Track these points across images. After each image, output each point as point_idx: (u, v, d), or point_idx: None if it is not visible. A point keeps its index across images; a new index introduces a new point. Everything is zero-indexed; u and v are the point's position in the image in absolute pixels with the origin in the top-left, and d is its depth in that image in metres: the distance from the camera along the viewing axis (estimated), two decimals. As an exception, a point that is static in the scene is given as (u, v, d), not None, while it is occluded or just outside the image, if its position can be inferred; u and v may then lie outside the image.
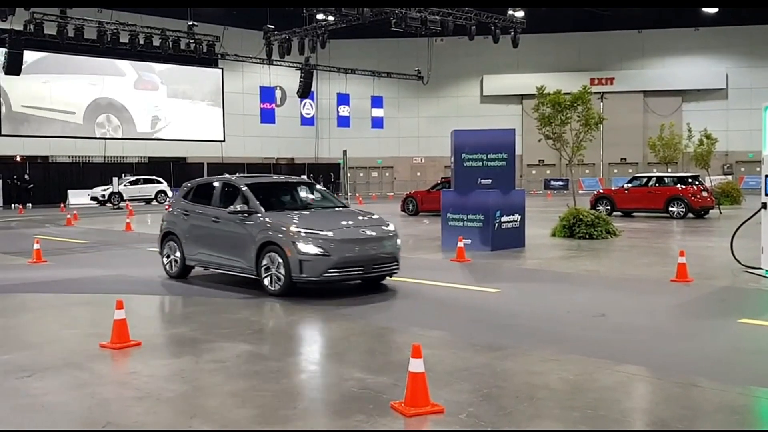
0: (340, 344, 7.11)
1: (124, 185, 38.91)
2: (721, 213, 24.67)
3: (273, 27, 40.73)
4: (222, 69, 49.60)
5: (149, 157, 47.44)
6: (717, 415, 5.00)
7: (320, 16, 38.69)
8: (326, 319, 8.25)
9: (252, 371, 6.08)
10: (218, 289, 10.34)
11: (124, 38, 36.84)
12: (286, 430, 4.74)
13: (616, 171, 52.56)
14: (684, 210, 23.08)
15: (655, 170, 37.01)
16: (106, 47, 36.55)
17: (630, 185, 24.88)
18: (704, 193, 23.74)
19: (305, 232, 9.30)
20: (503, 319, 8.22)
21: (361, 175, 56.64)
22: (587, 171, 52.32)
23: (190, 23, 38.16)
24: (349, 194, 20.72)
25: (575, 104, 17.37)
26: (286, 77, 49.85)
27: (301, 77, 45.81)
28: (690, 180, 23.82)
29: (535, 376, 5.89)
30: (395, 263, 10.11)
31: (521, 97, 52.66)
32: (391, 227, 10.25)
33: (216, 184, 11.35)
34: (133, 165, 45.46)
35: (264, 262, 9.51)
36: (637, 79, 53.33)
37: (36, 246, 13.99)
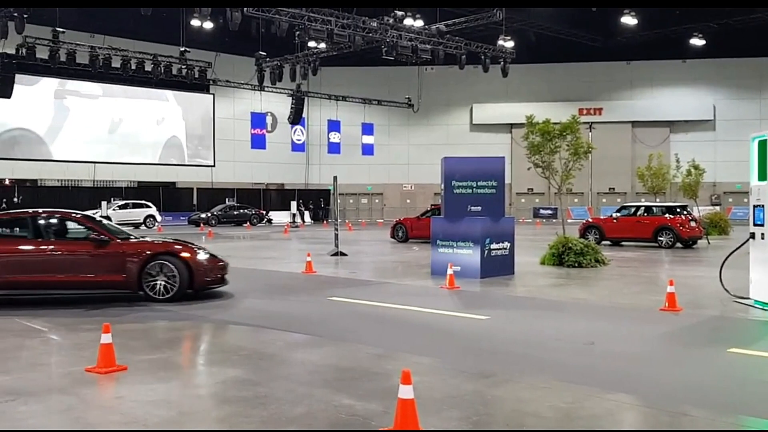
0: (329, 370, 7.05)
1: (113, 209, 38.80)
2: (709, 243, 24.80)
3: (265, 54, 41.00)
4: (213, 95, 49.76)
5: (138, 182, 47.36)
6: (707, 444, 4.95)
7: (312, 44, 39.00)
8: (315, 345, 8.19)
9: (239, 397, 6.02)
10: (205, 313, 10.26)
11: (117, 63, 36.97)
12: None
13: (604, 200, 52.86)
14: (672, 240, 23.18)
15: (643, 200, 37.24)
16: (99, 72, 36.65)
17: (619, 215, 25.00)
18: (692, 223, 23.89)
19: None
20: (493, 346, 8.18)
21: (351, 201, 56.70)
22: (576, 200, 52.58)
23: (182, 49, 38.33)
24: (338, 220, 20.70)
25: (564, 133, 17.48)
26: (277, 103, 50.08)
27: (292, 103, 46.06)
28: (678, 210, 23.97)
29: (525, 403, 5.85)
30: None
31: (510, 126, 53.03)
32: None
33: None
34: (123, 189, 45.37)
35: None
36: (626, 110, 53.86)
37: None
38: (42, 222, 11.38)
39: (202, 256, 11.51)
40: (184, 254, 11.25)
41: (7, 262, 10.77)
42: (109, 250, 10.96)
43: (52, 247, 11.01)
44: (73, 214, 12.09)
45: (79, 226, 11.48)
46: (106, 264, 10.93)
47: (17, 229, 11.53)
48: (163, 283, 11.00)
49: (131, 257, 10.97)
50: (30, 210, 12.30)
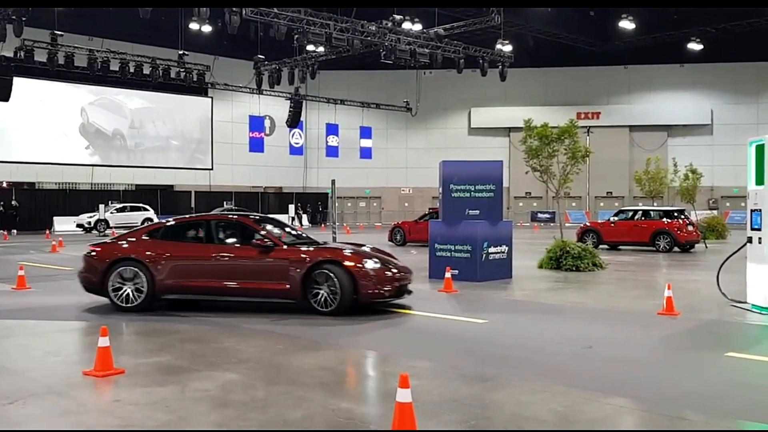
0: (327, 373, 7.05)
1: (111, 212, 38.73)
2: (706, 247, 24.84)
3: (263, 57, 40.99)
4: (212, 98, 49.73)
5: (136, 185, 47.29)
6: (705, 448, 4.95)
7: (310, 47, 39.02)
8: (312, 348, 8.18)
9: (237, 400, 6.01)
10: (200, 316, 10.25)
11: (115, 66, 36.95)
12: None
13: (602, 204, 52.89)
14: (670, 244, 23.21)
15: (641, 204, 37.28)
16: (97, 75, 36.63)
17: (616, 219, 25.03)
18: (690, 228, 23.91)
19: None
20: (491, 349, 8.19)
21: (349, 204, 56.68)
22: (574, 204, 52.61)
23: (181, 52, 38.31)
24: (336, 224, 20.72)
25: (562, 137, 17.50)
26: (275, 107, 50.06)
27: (290, 107, 46.07)
28: (676, 214, 24.00)
29: (524, 407, 5.86)
30: None
31: (509, 130, 53.06)
32: None
33: None
34: (120, 192, 45.32)
35: None
36: (623, 114, 53.90)
37: (20, 272, 13.85)
38: (213, 227, 11.05)
39: (370, 264, 10.33)
40: (348, 263, 10.14)
41: (181, 266, 10.58)
42: (273, 257, 10.39)
43: (220, 252, 10.66)
44: (243, 219, 11.64)
45: (248, 231, 10.99)
46: (271, 271, 10.35)
47: (190, 233, 11.29)
48: (325, 294, 10.13)
49: (294, 264, 10.23)
50: (201, 214, 12.02)
